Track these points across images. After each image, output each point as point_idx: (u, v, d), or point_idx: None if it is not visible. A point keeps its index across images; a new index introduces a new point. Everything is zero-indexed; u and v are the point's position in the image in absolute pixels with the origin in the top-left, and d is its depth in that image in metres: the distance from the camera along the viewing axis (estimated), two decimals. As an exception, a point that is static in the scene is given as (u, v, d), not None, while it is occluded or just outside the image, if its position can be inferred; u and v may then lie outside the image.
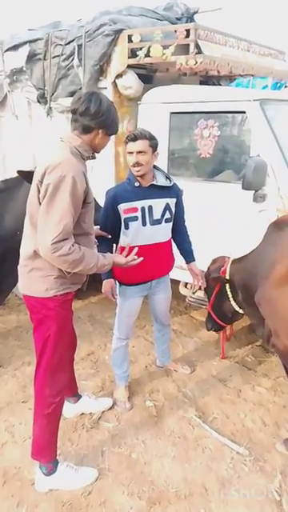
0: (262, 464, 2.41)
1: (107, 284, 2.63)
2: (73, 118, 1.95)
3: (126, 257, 2.17)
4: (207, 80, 4.44)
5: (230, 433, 2.65)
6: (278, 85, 6.33)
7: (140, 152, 2.38)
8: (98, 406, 2.84)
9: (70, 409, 2.74)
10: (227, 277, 2.72)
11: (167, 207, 2.59)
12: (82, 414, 2.80)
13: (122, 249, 2.26)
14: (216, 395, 2.99)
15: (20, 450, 2.52)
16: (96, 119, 1.90)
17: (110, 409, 2.86)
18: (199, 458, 2.46)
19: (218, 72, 3.99)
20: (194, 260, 2.87)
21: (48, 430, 2.21)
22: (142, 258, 2.18)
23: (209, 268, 2.90)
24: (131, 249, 2.20)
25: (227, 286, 2.76)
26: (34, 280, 2.03)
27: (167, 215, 2.60)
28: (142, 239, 2.53)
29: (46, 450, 2.25)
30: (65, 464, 2.31)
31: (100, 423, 2.74)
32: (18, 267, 2.09)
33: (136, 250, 2.20)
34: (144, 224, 2.52)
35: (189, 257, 2.86)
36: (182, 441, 2.58)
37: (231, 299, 2.77)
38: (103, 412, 2.82)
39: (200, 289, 2.95)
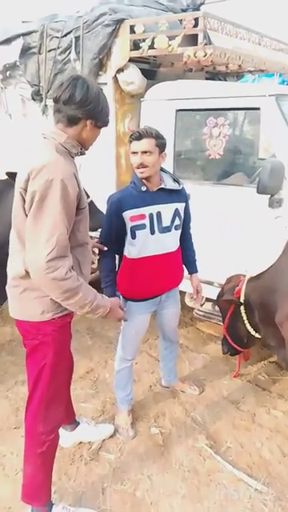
0: (284, 504, 2.13)
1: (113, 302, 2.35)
2: (55, 108, 1.66)
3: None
4: (213, 77, 4.18)
5: (245, 465, 2.37)
6: (286, 83, 6.10)
7: (145, 152, 2.13)
8: (97, 434, 2.56)
9: (67, 437, 2.47)
10: (242, 298, 2.46)
11: (177, 213, 2.34)
12: (81, 442, 2.52)
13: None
14: (228, 420, 2.72)
15: (11, 486, 2.24)
16: (83, 108, 1.62)
17: (112, 437, 2.58)
18: (212, 497, 2.18)
19: (227, 67, 3.73)
20: (197, 271, 2.63)
21: (42, 470, 1.93)
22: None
23: (223, 288, 2.64)
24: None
25: (242, 307, 2.50)
26: (27, 302, 1.75)
27: (177, 221, 2.35)
28: (150, 249, 2.29)
29: (39, 493, 1.96)
30: (60, 506, 2.04)
31: (100, 454, 2.46)
32: (7, 288, 1.81)
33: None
34: (152, 232, 2.27)
35: (192, 267, 2.62)
36: (193, 475, 2.31)
37: (246, 322, 2.51)
38: (104, 441, 2.55)
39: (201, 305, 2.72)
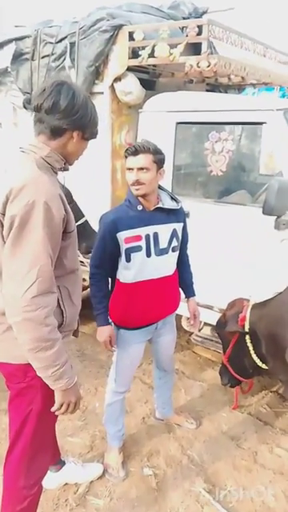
0: None
1: (105, 331, 2.15)
2: (36, 118, 1.45)
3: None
4: (214, 89, 4.01)
5: (247, 514, 2.15)
6: (286, 97, 5.96)
7: (141, 169, 1.95)
8: (85, 475, 2.32)
9: (51, 479, 2.23)
10: (247, 327, 2.25)
11: (174, 233, 2.16)
12: (66, 484, 2.29)
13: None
14: (228, 460, 2.49)
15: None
16: (69, 118, 1.42)
17: (100, 478, 2.35)
18: None
19: (229, 79, 3.58)
20: (194, 295, 2.43)
21: (20, 529, 1.69)
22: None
23: (224, 314, 2.43)
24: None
25: (247, 337, 2.29)
26: (12, 342, 1.49)
27: (174, 243, 2.16)
28: (146, 273, 2.10)
29: None
30: None
31: (87, 499, 2.23)
32: None
33: None
34: (149, 255, 2.08)
35: (189, 291, 2.43)
36: (189, 526, 2.08)
37: (253, 353, 2.29)
38: (91, 482, 2.32)
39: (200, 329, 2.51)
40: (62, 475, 2.28)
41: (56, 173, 1.53)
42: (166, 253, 2.13)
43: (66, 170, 1.57)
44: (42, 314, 1.33)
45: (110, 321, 2.20)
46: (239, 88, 4.21)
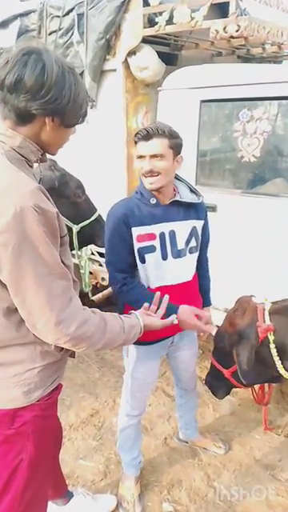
0: None
1: (185, 312, 1.65)
2: (1, 98, 1.10)
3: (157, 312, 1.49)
4: (245, 62, 3.55)
5: None
6: None
7: (155, 156, 1.62)
8: (96, 510, 2.05)
9: (57, 513, 1.97)
10: (272, 338, 1.81)
11: (193, 232, 1.82)
12: (75, 518, 2.02)
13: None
14: (261, 495, 2.14)
15: None
16: (37, 100, 1.07)
17: (113, 512, 2.06)
18: None
19: (263, 49, 3.12)
20: (210, 304, 2.09)
21: None
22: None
23: (232, 323, 1.95)
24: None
25: (273, 348, 1.84)
26: (2, 384, 1.25)
27: (193, 243, 1.83)
28: (162, 278, 1.77)
29: None
30: None
31: (98, 539, 1.94)
32: None
33: (167, 298, 1.53)
34: (165, 257, 1.75)
35: (204, 299, 2.07)
36: None
37: (281, 367, 1.85)
38: (103, 517, 2.03)
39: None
40: (70, 509, 2.01)
41: (31, 166, 1.20)
42: (184, 255, 1.80)
43: (43, 161, 1.24)
44: (80, 316, 1.17)
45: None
46: (275, 61, 3.72)
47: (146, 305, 1.54)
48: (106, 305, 3.24)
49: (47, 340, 1.17)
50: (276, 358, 1.82)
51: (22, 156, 1.14)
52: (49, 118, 1.11)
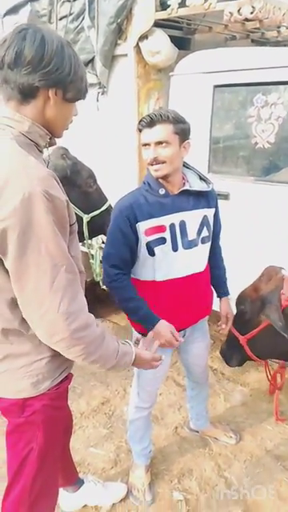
0: None
1: (164, 327, 1.71)
2: (2, 78, 1.07)
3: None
4: (260, 46, 3.45)
5: None
6: None
7: (160, 143, 1.58)
8: (106, 497, 2.06)
9: (68, 500, 2.01)
10: None
11: (205, 221, 1.78)
12: (85, 505, 2.03)
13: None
14: (272, 486, 2.13)
15: None
16: (39, 70, 1.04)
17: (124, 500, 2.07)
18: None
19: (278, 32, 3.02)
20: (228, 294, 2.05)
21: None
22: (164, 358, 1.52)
23: (256, 288, 1.93)
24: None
25: None
26: (10, 375, 1.24)
27: (204, 232, 1.78)
28: (172, 270, 1.74)
29: None
30: None
31: (108, 526, 1.96)
32: None
33: (157, 343, 1.50)
34: (175, 248, 1.71)
35: (221, 289, 2.05)
36: None
37: None
38: (113, 505, 2.04)
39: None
40: (81, 496, 2.03)
41: (41, 151, 1.17)
42: (196, 245, 1.76)
43: (51, 145, 1.21)
44: (84, 317, 1.12)
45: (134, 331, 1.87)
46: (292, 45, 3.61)
47: (138, 336, 1.58)
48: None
49: (41, 336, 1.12)
50: None
51: (31, 141, 1.11)
52: (52, 91, 1.08)
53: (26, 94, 1.07)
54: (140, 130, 1.61)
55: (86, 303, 1.17)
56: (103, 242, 3.16)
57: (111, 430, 2.52)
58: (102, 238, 3.03)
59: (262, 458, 2.30)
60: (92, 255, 3.00)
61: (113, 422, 2.59)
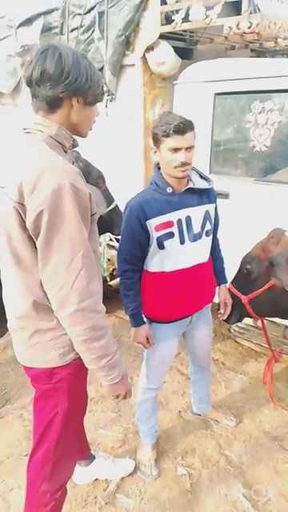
0: None
1: (141, 332, 1.99)
2: (31, 94, 1.28)
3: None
4: (259, 56, 3.64)
5: (290, 526, 1.96)
6: None
7: (189, 148, 1.75)
8: (116, 471, 2.23)
9: (81, 474, 2.17)
10: None
11: (207, 216, 1.96)
12: (96, 479, 2.20)
13: None
14: (269, 463, 2.30)
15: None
16: (61, 83, 1.23)
17: (132, 475, 2.24)
18: None
19: (275, 43, 3.22)
20: (226, 282, 2.23)
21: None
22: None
23: (265, 248, 2.03)
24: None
25: None
26: (40, 347, 1.41)
27: (207, 226, 1.96)
28: (180, 261, 1.91)
29: None
30: None
31: (117, 497, 2.13)
32: (10, 331, 1.48)
33: None
34: (182, 241, 1.89)
35: (220, 277, 2.22)
36: (225, 536, 1.93)
37: None
38: (122, 479, 2.21)
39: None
40: (92, 470, 2.20)
41: (66, 152, 1.37)
42: (200, 237, 1.94)
43: (75, 146, 1.40)
44: (93, 301, 1.27)
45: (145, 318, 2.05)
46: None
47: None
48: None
49: (55, 308, 1.28)
50: None
51: (58, 142, 1.31)
52: (74, 99, 1.27)
53: (53, 105, 1.27)
54: (167, 136, 1.70)
55: (101, 293, 1.34)
56: (111, 240, 3.35)
57: (119, 414, 2.69)
58: (109, 235, 3.22)
59: (261, 438, 2.47)
60: (100, 252, 3.18)
61: (120, 407, 2.75)
